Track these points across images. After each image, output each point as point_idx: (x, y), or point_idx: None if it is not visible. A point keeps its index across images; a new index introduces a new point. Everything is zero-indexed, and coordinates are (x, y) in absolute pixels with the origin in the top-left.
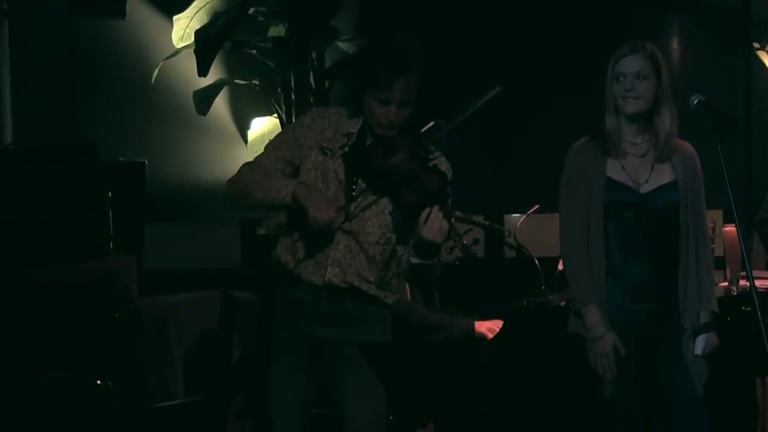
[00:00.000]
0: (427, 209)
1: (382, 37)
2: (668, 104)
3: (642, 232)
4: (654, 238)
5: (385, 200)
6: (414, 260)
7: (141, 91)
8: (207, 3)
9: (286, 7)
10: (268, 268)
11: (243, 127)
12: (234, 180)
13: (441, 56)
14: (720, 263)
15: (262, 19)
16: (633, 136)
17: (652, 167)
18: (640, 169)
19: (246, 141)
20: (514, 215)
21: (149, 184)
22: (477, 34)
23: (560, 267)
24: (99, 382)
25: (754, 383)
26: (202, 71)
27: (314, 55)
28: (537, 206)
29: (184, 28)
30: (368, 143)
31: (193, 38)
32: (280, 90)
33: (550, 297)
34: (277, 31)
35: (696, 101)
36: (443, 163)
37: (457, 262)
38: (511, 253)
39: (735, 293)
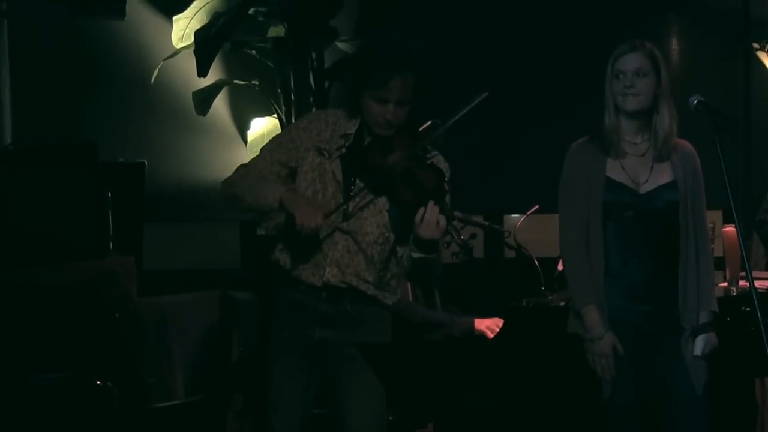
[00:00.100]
0: (423, 207)
1: (379, 37)
2: (667, 103)
3: (641, 232)
4: (653, 238)
5: (383, 199)
6: (415, 255)
7: (140, 92)
8: (207, 3)
9: (286, 7)
10: (268, 269)
11: (243, 128)
12: (228, 181)
13: (441, 56)
14: (719, 264)
15: (261, 19)
16: (632, 135)
17: (652, 167)
18: (640, 169)
19: (246, 141)
20: (513, 215)
21: (149, 185)
22: (477, 34)
23: (560, 267)
24: (99, 382)
25: (753, 384)
26: (202, 71)
27: (314, 55)
28: (536, 206)
29: (183, 29)
30: (366, 143)
31: (192, 38)
32: (279, 90)
33: (550, 297)
34: (276, 31)
35: (695, 101)
36: (441, 162)
37: (455, 257)
38: (510, 254)
39: (734, 293)
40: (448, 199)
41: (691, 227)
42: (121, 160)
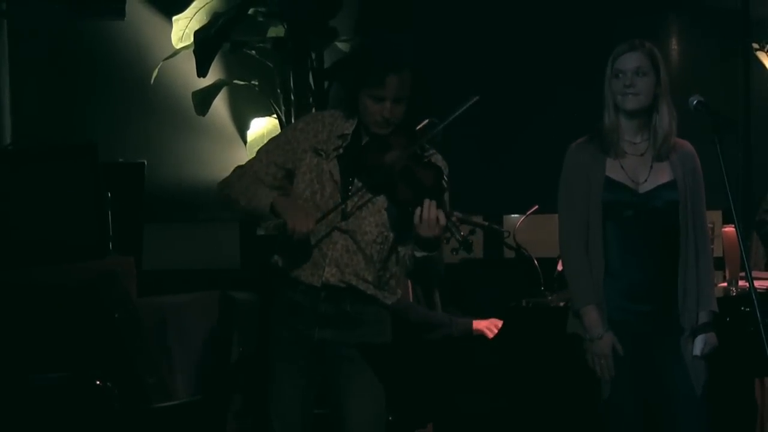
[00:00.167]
0: (421, 205)
1: (374, 36)
2: (667, 102)
3: (641, 231)
4: (653, 237)
5: (382, 199)
6: (418, 254)
7: (140, 92)
8: (206, 3)
9: (286, 7)
10: (267, 269)
11: (242, 128)
12: (223, 183)
13: (440, 56)
14: (719, 264)
15: (261, 19)
16: (632, 134)
17: (651, 166)
18: (639, 169)
19: (245, 141)
20: (513, 216)
21: (148, 185)
22: (476, 34)
23: (559, 267)
24: (98, 382)
25: (753, 384)
26: (202, 72)
27: (313, 55)
28: (536, 207)
29: (183, 29)
30: (363, 143)
31: (192, 39)
32: (279, 90)
33: (549, 297)
34: (276, 31)
35: (695, 102)
36: (439, 160)
37: (455, 253)
38: (510, 254)
39: (734, 294)
40: (446, 196)
41: (690, 227)
42: (120, 160)
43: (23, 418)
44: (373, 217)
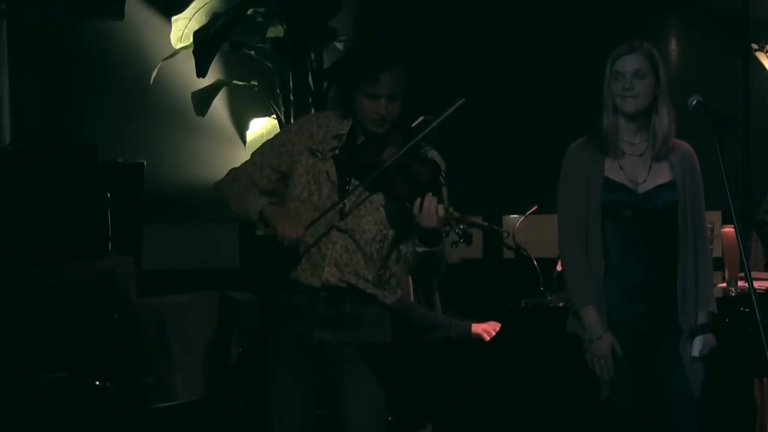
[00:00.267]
0: (420, 198)
1: (368, 35)
2: (666, 103)
3: (640, 232)
4: (652, 238)
5: (379, 197)
6: (420, 249)
7: (139, 92)
8: (205, 4)
9: (285, 7)
10: (266, 270)
11: (241, 128)
12: (217, 185)
13: (440, 56)
14: (718, 264)
15: (260, 19)
16: (631, 135)
17: (650, 167)
18: (638, 169)
19: (244, 142)
20: (512, 216)
21: (148, 185)
22: (475, 34)
23: (559, 268)
24: (97, 382)
25: (752, 384)
26: (201, 72)
27: (313, 55)
28: (535, 207)
29: (182, 29)
30: (359, 142)
31: (191, 39)
32: (278, 91)
33: (549, 298)
34: (275, 31)
35: (694, 102)
36: (435, 156)
37: (455, 246)
38: (509, 254)
39: (733, 294)
40: (444, 191)
41: (689, 227)
42: (120, 160)
43: (23, 419)
44: (371, 216)
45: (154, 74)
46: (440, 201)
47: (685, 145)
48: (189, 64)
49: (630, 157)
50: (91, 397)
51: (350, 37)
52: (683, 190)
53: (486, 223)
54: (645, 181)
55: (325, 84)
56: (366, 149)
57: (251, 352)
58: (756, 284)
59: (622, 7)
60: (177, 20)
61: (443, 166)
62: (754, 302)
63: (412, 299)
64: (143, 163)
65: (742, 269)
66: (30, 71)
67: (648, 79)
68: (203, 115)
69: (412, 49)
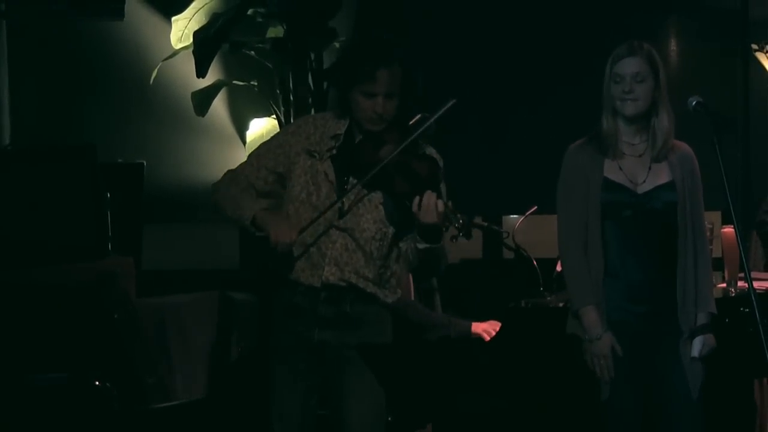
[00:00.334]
0: (419, 195)
1: (363, 34)
2: (666, 105)
3: (640, 232)
4: (652, 238)
5: (378, 194)
6: (421, 246)
7: (139, 92)
8: (205, 4)
9: (285, 8)
10: (266, 271)
11: (241, 128)
12: (214, 187)
13: (439, 56)
14: (718, 264)
15: (260, 20)
16: (630, 136)
17: (650, 167)
18: (638, 170)
19: (244, 142)
20: (512, 216)
21: (148, 185)
22: (475, 34)
23: (558, 268)
24: (97, 382)
25: (752, 385)
26: (201, 72)
27: (313, 56)
28: (535, 207)
29: (182, 29)
30: (357, 140)
31: (191, 39)
32: (278, 91)
33: (549, 298)
34: (275, 32)
35: (694, 102)
36: (433, 153)
37: (454, 240)
38: (509, 254)
39: (733, 294)
40: (443, 186)
41: (689, 228)
42: (120, 160)
43: (22, 419)
44: (370, 214)
45: (154, 74)
46: (439, 197)
47: (684, 146)
48: (189, 64)
49: (629, 157)
50: (90, 397)
51: (350, 37)
52: (683, 190)
53: (486, 224)
54: (644, 181)
55: (325, 84)
56: (364, 148)
57: (251, 352)
58: (756, 284)
59: (621, 7)
60: (177, 20)
61: (441, 163)
62: (754, 302)
63: (412, 298)
64: (143, 163)
65: (741, 269)
66: (30, 71)
67: (648, 82)
68: (203, 116)
69: (411, 49)
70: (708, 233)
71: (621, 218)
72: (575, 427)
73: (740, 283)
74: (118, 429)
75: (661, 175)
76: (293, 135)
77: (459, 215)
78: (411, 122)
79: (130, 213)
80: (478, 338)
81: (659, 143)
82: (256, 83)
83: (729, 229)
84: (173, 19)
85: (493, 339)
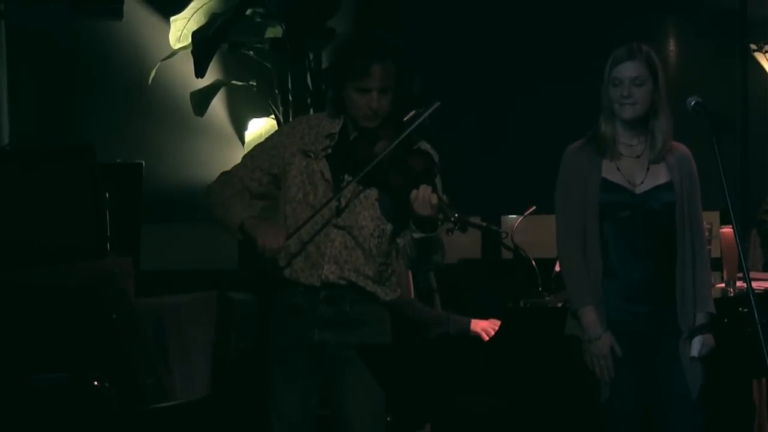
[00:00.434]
0: (415, 189)
1: (356, 31)
2: (664, 107)
3: (638, 232)
4: (650, 238)
5: (374, 191)
6: (417, 235)
7: (138, 92)
8: (204, 4)
9: (283, 8)
10: (265, 272)
11: (240, 128)
12: (208, 189)
13: (438, 56)
14: (717, 264)
15: (259, 20)
16: (628, 138)
17: (648, 168)
18: (636, 170)
19: (243, 142)
20: (511, 216)
21: (146, 185)
22: (473, 35)
23: (557, 268)
24: (96, 383)
25: (750, 385)
26: (200, 72)
27: (311, 56)
28: (534, 207)
29: (181, 29)
30: (352, 138)
31: (190, 39)
32: (277, 91)
33: (547, 298)
34: (274, 32)
35: (693, 102)
36: (429, 148)
37: (450, 234)
38: (508, 255)
39: (732, 294)
40: (438, 181)
41: (687, 229)
42: (118, 160)
43: (21, 419)
44: (368, 212)
45: (152, 74)
46: (434, 190)
47: (682, 148)
48: (188, 64)
49: (627, 158)
50: (89, 398)
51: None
52: (681, 191)
53: (485, 224)
54: (643, 182)
55: (324, 84)
56: (359, 145)
57: (250, 352)
58: (754, 284)
59: (620, 7)
60: (176, 20)
61: (436, 158)
62: (753, 302)
63: (412, 296)
64: (142, 163)
65: (740, 269)
66: (29, 71)
67: (647, 85)
68: (202, 116)
69: (410, 49)
70: (707, 233)
71: (619, 219)
72: (574, 428)
73: (739, 283)
74: (117, 429)
75: (660, 176)
76: (287, 136)
77: (453, 209)
78: (405, 118)
79: (129, 213)
80: (477, 338)
81: (658, 145)
82: (254, 83)
83: (728, 229)
84: (172, 19)
85: (491, 339)
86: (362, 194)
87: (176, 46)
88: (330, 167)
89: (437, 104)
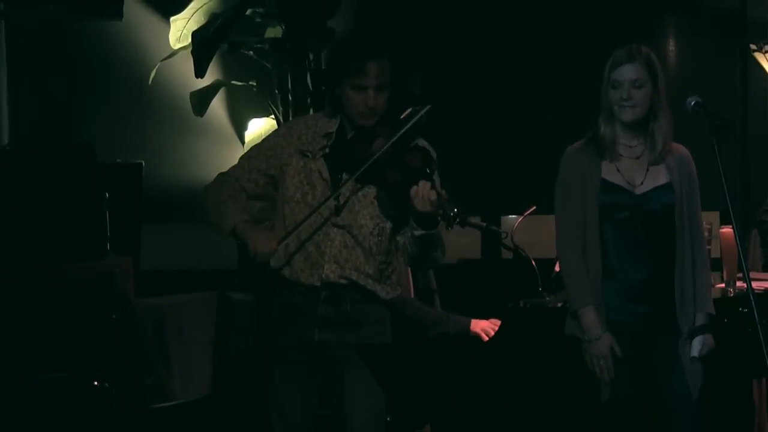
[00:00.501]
0: (415, 186)
1: (351, 30)
2: (664, 108)
3: (637, 233)
4: (650, 239)
5: (372, 189)
6: (417, 232)
7: (138, 92)
8: (204, 4)
9: (283, 8)
10: (265, 272)
11: (240, 128)
12: (205, 191)
13: (438, 56)
14: (717, 265)
15: (259, 20)
16: (628, 139)
17: (648, 169)
18: (635, 171)
19: (243, 142)
20: (511, 216)
21: (146, 185)
22: (474, 35)
23: (557, 268)
24: (96, 383)
25: (750, 385)
26: (199, 72)
27: (311, 56)
28: (534, 207)
29: (181, 29)
30: (349, 137)
31: (190, 39)
32: (277, 91)
33: (547, 298)
34: (274, 32)
35: (693, 103)
36: (426, 145)
37: (449, 228)
38: (507, 255)
39: (732, 294)
40: (436, 177)
41: (686, 229)
42: (118, 160)
43: (21, 419)
44: (366, 210)
45: (152, 74)
46: (433, 186)
47: (681, 149)
48: (187, 64)
49: (627, 159)
50: (89, 398)
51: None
52: (680, 192)
53: (484, 224)
54: (642, 183)
55: (320, 84)
56: (356, 143)
57: (249, 352)
58: (754, 285)
59: (620, 8)
60: (175, 20)
61: (434, 154)
62: (753, 303)
63: (412, 295)
64: (142, 163)
65: (740, 270)
66: (28, 71)
67: (646, 87)
68: (202, 116)
69: (411, 49)
70: (707, 233)
71: (619, 219)
72: (574, 428)
73: (739, 284)
74: (117, 429)
75: (659, 177)
76: (284, 137)
77: (452, 204)
78: (402, 116)
79: (129, 213)
80: (477, 339)
81: (658, 147)
82: (254, 83)
83: (728, 230)
84: (172, 19)
85: (491, 339)
86: (361, 192)
87: (176, 46)
88: (328, 166)
89: (428, 107)
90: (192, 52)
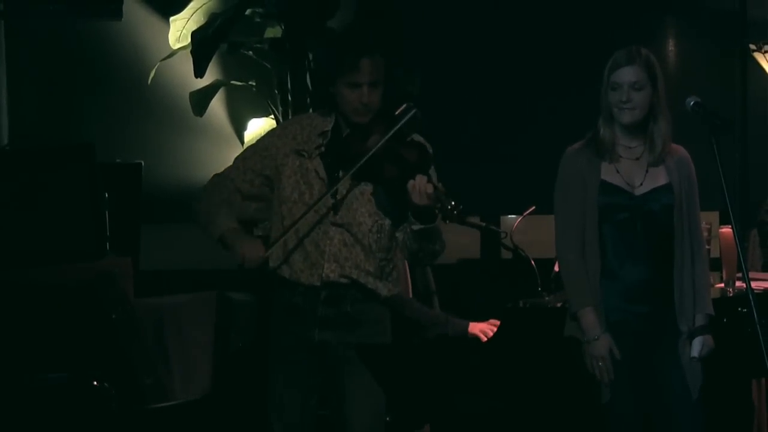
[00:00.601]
0: (412, 180)
1: (341, 28)
2: (664, 110)
3: (637, 234)
4: (649, 240)
5: (369, 187)
6: (416, 227)
7: (137, 92)
8: (204, 4)
9: (283, 8)
10: (265, 272)
11: (239, 128)
12: (202, 191)
13: (438, 57)
14: (716, 265)
15: (258, 20)
16: (628, 140)
17: (647, 170)
18: (635, 172)
19: (242, 142)
20: (510, 216)
21: (146, 185)
22: (474, 35)
23: (556, 268)
24: (95, 383)
25: (749, 385)
26: (199, 72)
27: (311, 56)
28: (533, 207)
29: (180, 29)
30: (345, 135)
31: (189, 39)
32: (276, 91)
33: (547, 298)
34: (273, 32)
35: (692, 103)
36: (421, 140)
37: (447, 222)
38: (507, 255)
39: (731, 294)
40: (433, 171)
41: (686, 230)
42: (118, 160)
43: (21, 419)
44: (365, 207)
45: (152, 74)
46: (429, 180)
47: (681, 150)
48: (187, 64)
49: (626, 160)
50: (89, 398)
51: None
52: (679, 193)
53: (484, 224)
54: (642, 184)
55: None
56: (352, 140)
57: (249, 352)
58: (753, 285)
59: (620, 8)
60: (175, 20)
61: (430, 149)
62: (752, 303)
63: (411, 296)
64: (141, 163)
65: (739, 270)
66: (28, 71)
67: (646, 89)
68: (201, 116)
69: (410, 49)
70: (706, 234)
71: (618, 220)
72: (573, 429)
73: (738, 284)
74: (117, 429)
75: (659, 178)
76: (279, 137)
77: (449, 198)
78: (397, 112)
79: (128, 213)
80: (476, 339)
81: (657, 148)
82: (254, 83)
83: (727, 230)
84: (171, 19)
85: (490, 339)
86: (358, 190)
87: (176, 46)
88: (324, 165)
89: (407, 115)
90: (191, 52)
